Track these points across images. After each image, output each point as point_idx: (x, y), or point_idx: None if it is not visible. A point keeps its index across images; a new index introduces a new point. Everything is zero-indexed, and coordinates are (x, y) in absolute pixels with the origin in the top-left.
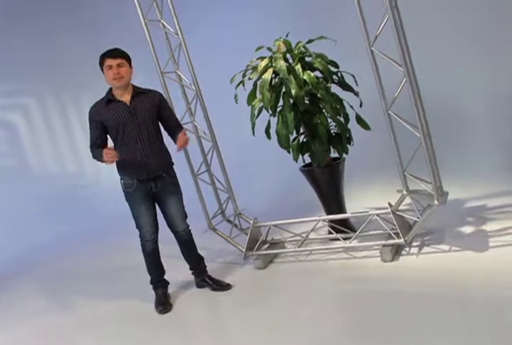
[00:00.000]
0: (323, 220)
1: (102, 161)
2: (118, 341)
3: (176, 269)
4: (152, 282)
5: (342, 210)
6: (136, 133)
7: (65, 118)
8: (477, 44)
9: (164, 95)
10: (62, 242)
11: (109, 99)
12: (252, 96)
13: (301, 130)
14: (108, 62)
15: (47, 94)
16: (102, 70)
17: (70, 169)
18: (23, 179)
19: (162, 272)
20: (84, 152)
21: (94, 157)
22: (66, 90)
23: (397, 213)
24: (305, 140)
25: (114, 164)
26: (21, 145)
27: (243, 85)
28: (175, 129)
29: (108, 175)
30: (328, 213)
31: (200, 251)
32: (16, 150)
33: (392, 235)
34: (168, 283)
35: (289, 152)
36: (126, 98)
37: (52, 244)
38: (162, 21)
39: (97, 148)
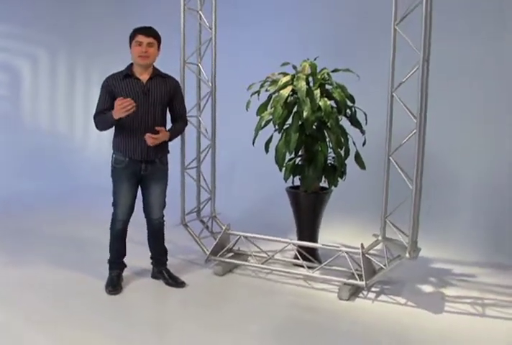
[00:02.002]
0: (294, 244)
1: (110, 122)
2: (53, 309)
3: (137, 255)
4: (109, 262)
5: (314, 239)
6: (143, 114)
7: (70, 77)
8: (490, 116)
9: (180, 84)
10: (29, 199)
11: (128, 74)
12: (263, 107)
13: (300, 152)
14: (140, 38)
15: (60, 50)
16: (130, 44)
17: (60, 129)
18: (11, 127)
19: (123, 253)
20: (80, 115)
21: (98, 123)
22: (79, 51)
23: (366, 255)
24: (300, 163)
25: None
26: (19, 93)
27: (258, 94)
28: (177, 119)
29: (96, 143)
30: (300, 238)
31: (165, 244)
32: (13, 97)
33: (355, 275)
34: (125, 266)
35: (281, 170)
36: (144, 77)
37: (19, 199)
38: (200, 12)
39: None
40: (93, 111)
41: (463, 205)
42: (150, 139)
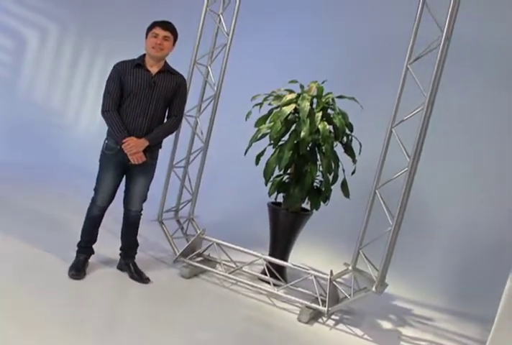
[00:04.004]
0: (264, 259)
1: (115, 136)
2: (8, 281)
3: (107, 244)
4: (78, 245)
5: (285, 258)
6: (145, 105)
7: (75, 55)
8: (479, 169)
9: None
10: (11, 170)
11: (139, 64)
12: (262, 120)
13: (289, 170)
14: (157, 30)
15: (69, 27)
16: (147, 34)
17: (54, 105)
18: (5, 96)
19: (94, 239)
20: (77, 93)
21: (108, 122)
22: (88, 31)
23: (333, 282)
24: (287, 181)
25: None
26: (21, 62)
27: (260, 106)
28: (170, 115)
29: (87, 124)
30: (272, 254)
31: (137, 238)
32: (14, 64)
33: (319, 300)
34: (93, 252)
35: (266, 185)
36: (153, 69)
37: (0, 168)
38: (220, 16)
39: (115, 112)
40: (94, 88)
41: (436, 249)
42: (133, 158)
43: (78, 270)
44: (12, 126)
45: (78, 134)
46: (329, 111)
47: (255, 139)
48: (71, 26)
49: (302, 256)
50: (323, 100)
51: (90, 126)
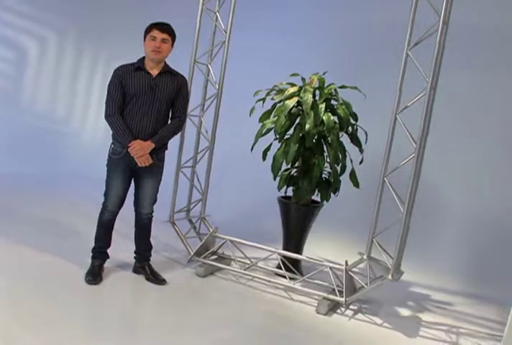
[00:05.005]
0: (278, 253)
1: (120, 141)
2: (27, 292)
3: (121, 248)
4: (93, 251)
5: (299, 251)
6: (148, 108)
7: (76, 63)
8: (488, 150)
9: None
10: (18, 179)
11: (139, 67)
12: (266, 115)
13: (297, 164)
14: (155, 33)
15: (68, 35)
16: (145, 37)
17: (58, 113)
18: (9, 106)
19: (108, 244)
20: (80, 101)
21: (112, 127)
22: (87, 38)
23: (349, 272)
24: (295, 174)
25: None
26: (23, 73)
27: (263, 102)
28: (173, 116)
29: (92, 130)
30: (286, 248)
31: (151, 240)
32: (16, 75)
33: (336, 291)
34: (108, 257)
35: (275, 179)
36: (154, 71)
37: (8, 178)
38: (217, 13)
39: (119, 116)
40: (97, 94)
41: (450, 232)
42: (140, 161)
43: (95, 276)
44: (18, 138)
45: (83, 141)
46: (332, 101)
47: (260, 134)
48: (70, 34)
49: (316, 248)
50: (326, 91)
51: (96, 133)
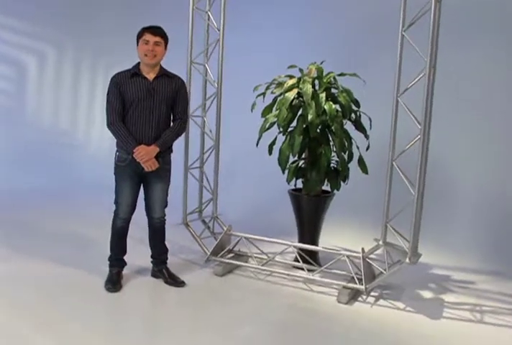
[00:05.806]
0: (294, 246)
1: (125, 147)
2: (50, 304)
3: (137, 253)
4: (110, 259)
5: (315, 242)
6: (148, 113)
7: (75, 75)
8: (495, 125)
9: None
10: (29, 194)
11: (135, 73)
12: (268, 109)
13: (303, 155)
14: (147, 37)
15: (66, 48)
16: (137, 42)
17: (63, 125)
18: (14, 122)
19: (124, 251)
20: (83, 112)
21: (115, 135)
22: (85, 49)
23: (367, 259)
24: (303, 166)
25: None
26: (24, 89)
27: (263, 96)
28: (175, 118)
29: (98, 140)
30: (301, 241)
31: (166, 243)
32: (18, 92)
33: (355, 279)
34: (125, 264)
35: (283, 173)
36: (150, 76)
37: (19, 193)
38: (209, 12)
39: (121, 123)
40: (99, 105)
41: (464, 211)
42: (147, 165)
43: (114, 283)
44: (25, 153)
45: (90, 151)
46: (333, 90)
47: (264, 129)
48: (67, 47)
49: (331, 238)
50: (325, 80)
51: (102, 142)
